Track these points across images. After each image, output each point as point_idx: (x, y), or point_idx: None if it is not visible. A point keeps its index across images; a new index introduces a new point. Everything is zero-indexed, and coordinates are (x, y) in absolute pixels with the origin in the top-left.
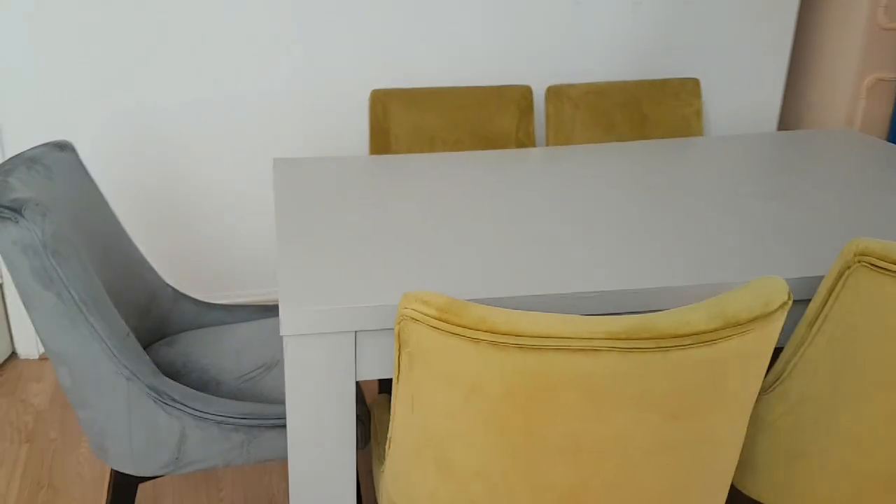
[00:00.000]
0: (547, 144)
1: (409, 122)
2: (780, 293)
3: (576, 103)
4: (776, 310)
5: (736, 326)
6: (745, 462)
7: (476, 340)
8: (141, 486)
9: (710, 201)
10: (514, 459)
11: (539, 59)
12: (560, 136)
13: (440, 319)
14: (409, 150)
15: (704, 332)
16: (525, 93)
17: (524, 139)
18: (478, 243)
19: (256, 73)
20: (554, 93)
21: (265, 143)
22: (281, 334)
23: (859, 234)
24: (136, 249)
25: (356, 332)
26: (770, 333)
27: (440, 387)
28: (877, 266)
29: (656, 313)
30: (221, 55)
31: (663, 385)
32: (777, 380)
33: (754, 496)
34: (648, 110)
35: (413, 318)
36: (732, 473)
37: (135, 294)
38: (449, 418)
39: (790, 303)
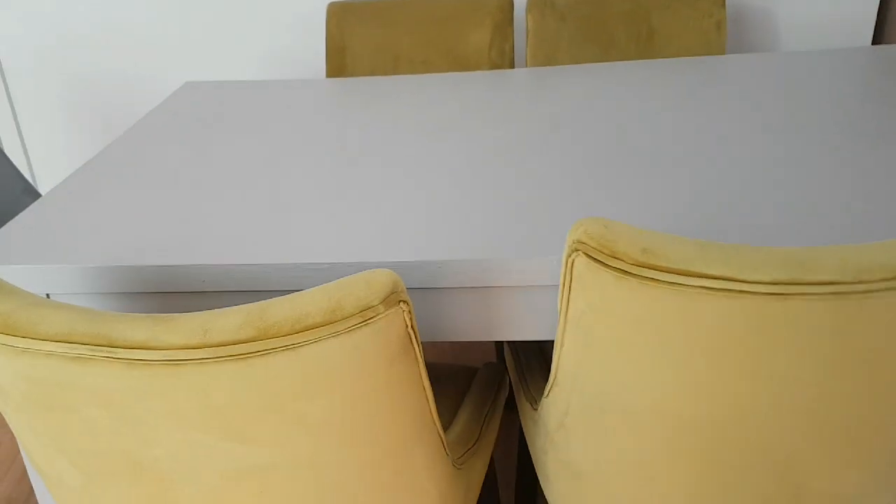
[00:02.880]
0: (526, 65)
1: (369, 39)
2: None
3: (562, 14)
4: None
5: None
6: (541, 474)
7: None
8: None
9: (738, 140)
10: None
11: None
12: (540, 54)
13: None
14: (372, 72)
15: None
16: (503, 4)
17: (497, 59)
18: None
19: None
20: (535, 1)
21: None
22: None
23: None
24: None
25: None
26: None
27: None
28: (594, 258)
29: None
30: None
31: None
32: (550, 385)
33: None
34: (658, 23)
35: None
36: None
37: None
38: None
39: None
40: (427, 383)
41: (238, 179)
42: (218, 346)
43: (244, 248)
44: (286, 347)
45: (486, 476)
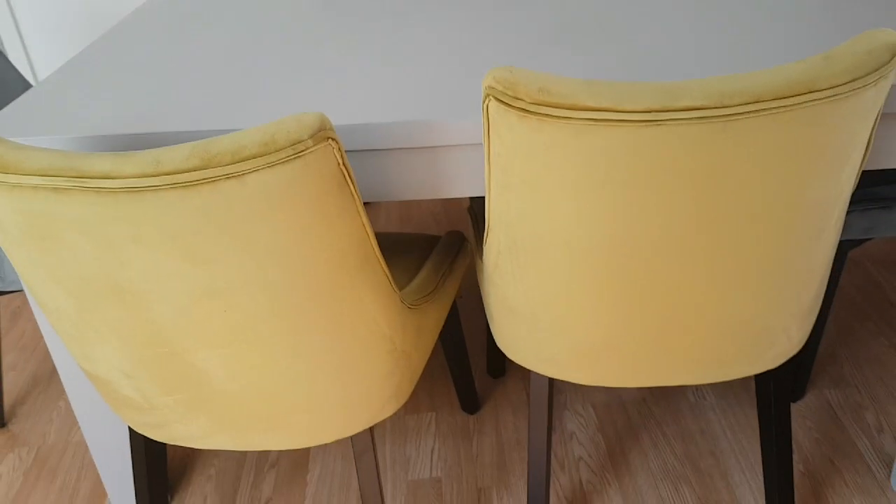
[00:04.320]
0: None
1: None
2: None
3: None
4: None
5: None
6: (488, 315)
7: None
8: None
9: None
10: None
11: None
12: None
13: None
14: None
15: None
16: None
17: None
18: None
19: None
20: None
21: None
22: None
23: None
24: None
25: None
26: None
27: None
28: (501, 100)
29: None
30: None
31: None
32: (486, 230)
33: (503, 350)
34: None
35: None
36: None
37: None
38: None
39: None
40: (366, 219)
41: (215, 60)
42: (168, 174)
43: (214, 116)
44: (229, 176)
45: (458, 345)
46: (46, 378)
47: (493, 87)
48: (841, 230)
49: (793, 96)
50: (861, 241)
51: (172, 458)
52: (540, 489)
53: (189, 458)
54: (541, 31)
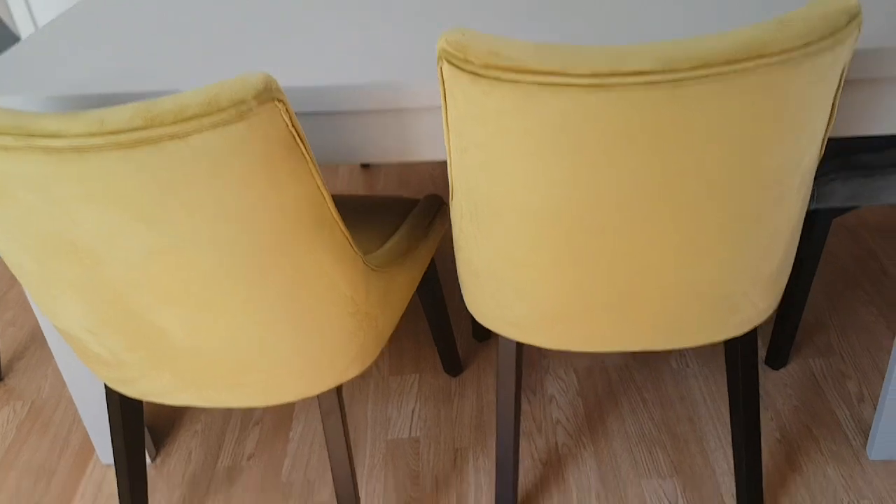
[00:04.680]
0: None
1: None
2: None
3: None
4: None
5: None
6: (459, 279)
7: None
8: None
9: None
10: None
11: None
12: None
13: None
14: None
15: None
16: None
17: None
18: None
19: None
20: None
21: None
22: None
23: None
24: None
25: None
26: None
27: None
28: (454, 63)
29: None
30: None
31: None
32: (451, 194)
33: (472, 313)
34: None
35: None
36: None
37: None
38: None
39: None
40: (320, 181)
41: (198, 19)
42: (112, 133)
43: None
44: (172, 136)
45: (439, 308)
46: (44, 335)
47: (445, 50)
48: (807, 199)
49: (743, 60)
50: (845, 210)
51: (160, 415)
52: (508, 453)
53: (176, 414)
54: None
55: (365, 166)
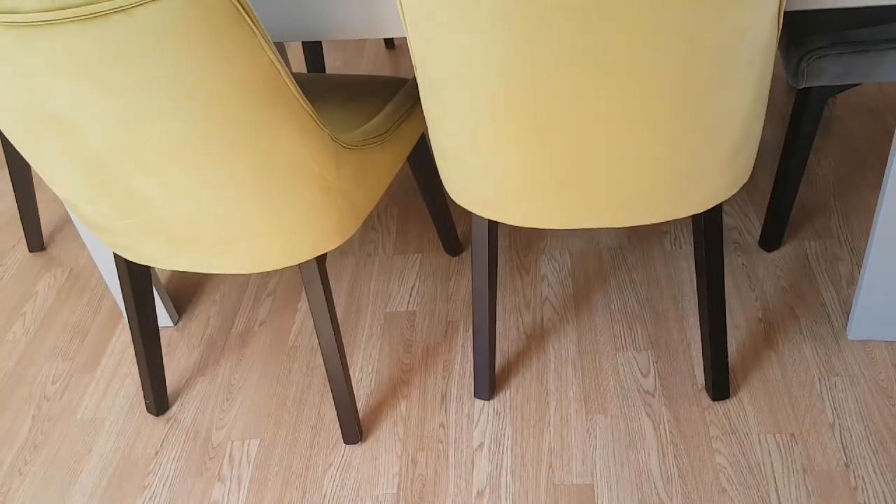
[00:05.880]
0: None
1: None
2: None
3: None
4: None
5: None
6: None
7: None
8: None
9: None
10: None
11: None
12: None
13: None
14: None
15: None
16: None
17: None
18: None
19: None
20: None
21: None
22: None
23: None
24: None
25: None
26: None
27: None
28: None
29: None
30: None
31: None
32: (414, 70)
33: (448, 192)
34: None
35: None
36: None
37: None
38: None
39: None
40: (273, 55)
41: None
42: (63, 8)
43: None
44: (117, 10)
45: (433, 189)
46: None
47: None
48: (766, 75)
49: None
50: (841, 88)
51: (183, 284)
52: (483, 322)
53: (198, 284)
54: None
55: (390, 47)
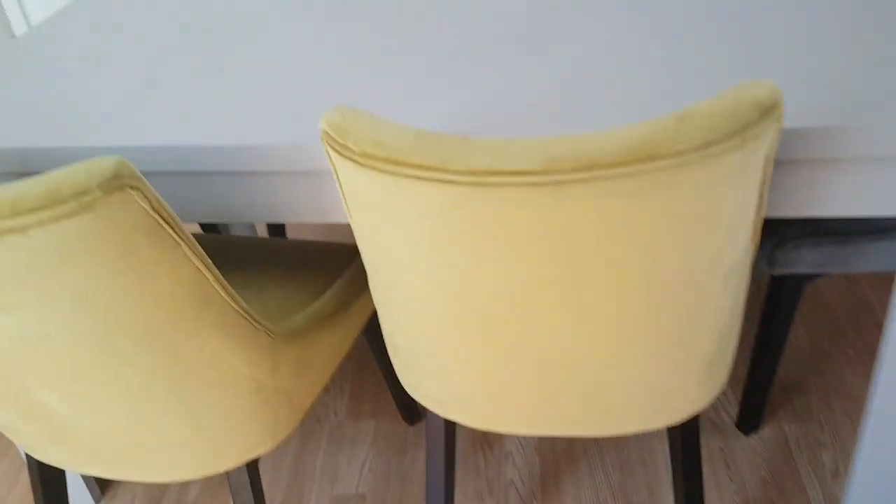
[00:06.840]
0: None
1: None
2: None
3: None
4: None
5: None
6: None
7: None
8: None
9: None
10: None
11: None
12: None
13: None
14: None
15: None
16: None
17: None
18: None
19: None
20: None
21: None
22: None
23: None
24: None
25: None
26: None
27: None
28: (335, 148)
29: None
30: None
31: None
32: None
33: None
34: None
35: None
36: None
37: None
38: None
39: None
40: (200, 261)
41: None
42: None
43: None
44: (12, 230)
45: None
46: None
47: (326, 133)
48: (741, 288)
49: (631, 163)
50: (821, 275)
51: None
52: None
53: None
54: (460, 40)
55: None
